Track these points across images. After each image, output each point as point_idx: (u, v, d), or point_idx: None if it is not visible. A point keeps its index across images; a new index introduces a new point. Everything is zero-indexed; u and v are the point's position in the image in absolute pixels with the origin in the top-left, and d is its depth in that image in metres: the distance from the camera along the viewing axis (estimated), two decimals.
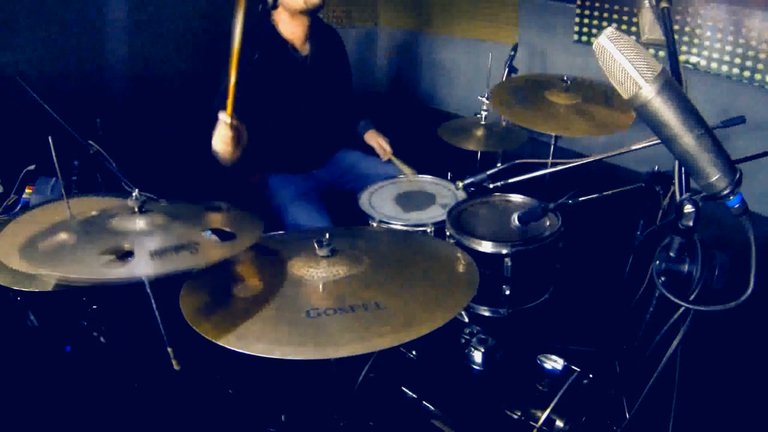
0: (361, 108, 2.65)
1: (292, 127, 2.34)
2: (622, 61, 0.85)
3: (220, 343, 1.06)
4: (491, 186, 1.77)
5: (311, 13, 2.21)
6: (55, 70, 2.98)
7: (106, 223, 1.25)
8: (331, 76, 2.41)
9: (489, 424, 1.43)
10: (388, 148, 2.52)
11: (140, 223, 1.25)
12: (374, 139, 2.56)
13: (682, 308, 1.03)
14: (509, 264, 1.77)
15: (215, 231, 1.27)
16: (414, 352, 1.61)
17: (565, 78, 2.36)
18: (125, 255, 1.14)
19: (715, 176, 0.88)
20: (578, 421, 1.38)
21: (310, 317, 1.11)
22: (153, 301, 1.36)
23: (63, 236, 1.23)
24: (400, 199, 2.23)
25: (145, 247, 1.15)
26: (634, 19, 3.46)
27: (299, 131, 2.37)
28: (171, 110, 3.32)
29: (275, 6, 2.18)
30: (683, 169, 0.98)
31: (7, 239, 1.62)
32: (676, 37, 2.76)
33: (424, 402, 1.51)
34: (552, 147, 2.54)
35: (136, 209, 1.25)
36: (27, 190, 2.10)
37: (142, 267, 1.12)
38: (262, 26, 2.22)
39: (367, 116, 2.64)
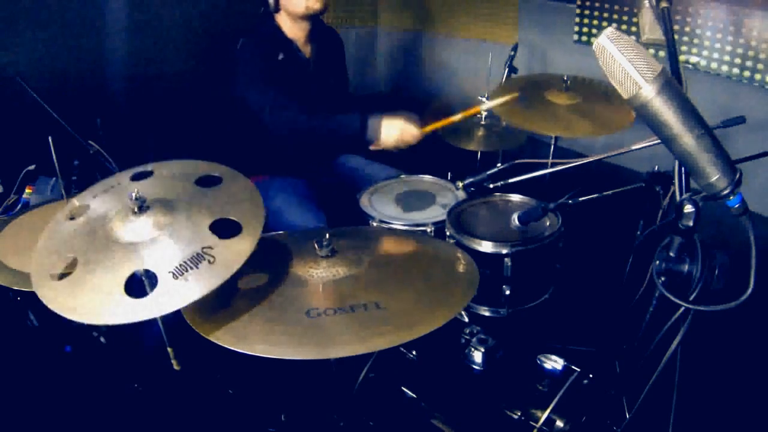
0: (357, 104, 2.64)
1: None
2: (622, 61, 0.85)
3: (220, 343, 1.06)
4: (491, 186, 1.77)
5: (312, 18, 2.23)
6: (55, 70, 2.98)
7: (107, 229, 1.23)
8: (332, 78, 2.42)
9: (489, 424, 1.43)
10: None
11: (144, 226, 1.22)
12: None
13: (682, 308, 1.03)
14: (509, 264, 1.77)
15: (218, 224, 1.26)
16: (414, 352, 1.61)
17: (565, 78, 2.36)
18: (145, 282, 1.13)
19: (715, 176, 0.88)
20: (578, 421, 1.38)
21: (310, 317, 1.11)
22: None
23: (70, 257, 1.20)
24: (400, 199, 2.23)
25: (162, 265, 1.12)
26: (634, 19, 3.46)
27: None
28: (171, 110, 3.32)
29: (277, 9, 2.20)
30: (683, 169, 0.98)
31: (8, 239, 1.62)
32: (676, 37, 2.76)
33: (424, 402, 1.51)
34: (552, 147, 2.54)
35: (136, 209, 1.24)
36: (27, 190, 2.10)
37: (171, 297, 1.08)
38: (267, 26, 2.24)
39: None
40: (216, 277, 1.11)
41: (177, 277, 1.10)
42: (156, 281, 1.10)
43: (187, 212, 1.24)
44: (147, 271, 1.13)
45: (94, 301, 1.08)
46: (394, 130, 2.10)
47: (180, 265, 1.12)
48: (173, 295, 1.08)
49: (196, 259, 1.14)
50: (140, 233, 1.19)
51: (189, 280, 1.10)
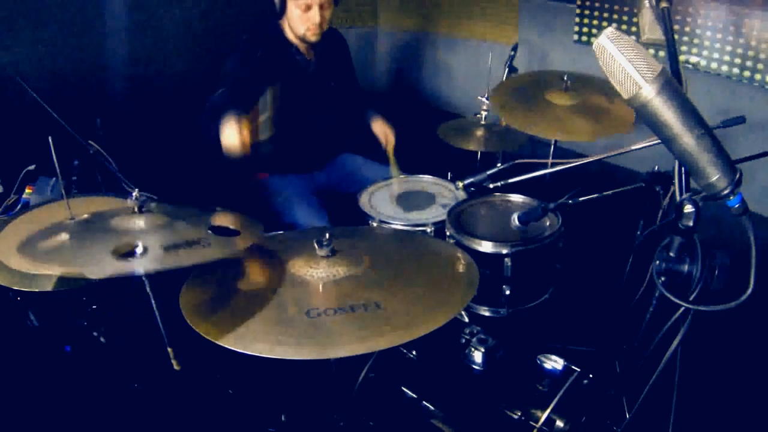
0: (368, 99, 2.64)
1: (294, 128, 2.35)
2: (622, 61, 0.85)
3: (220, 343, 1.06)
4: (491, 186, 1.77)
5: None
6: (55, 70, 2.98)
7: (106, 223, 1.25)
8: (334, 80, 2.42)
9: (489, 424, 1.43)
10: (392, 139, 2.48)
11: (141, 222, 1.24)
12: (381, 128, 2.51)
13: (682, 308, 1.03)
14: (509, 264, 1.77)
15: (218, 228, 1.27)
16: (414, 352, 1.61)
17: (565, 78, 2.36)
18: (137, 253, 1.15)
19: (715, 176, 0.88)
20: (578, 421, 1.38)
21: (310, 317, 1.11)
22: (153, 301, 1.36)
23: (64, 236, 1.22)
24: (400, 199, 2.23)
25: (156, 242, 1.16)
26: (634, 19, 3.46)
27: (301, 132, 2.37)
28: (171, 110, 3.32)
29: (282, 12, 2.20)
30: (683, 169, 0.98)
31: (8, 239, 1.62)
32: (676, 37, 2.76)
33: (424, 402, 1.51)
34: (552, 147, 2.53)
35: (136, 209, 1.25)
36: (27, 190, 2.10)
37: (159, 260, 1.12)
38: (269, 27, 2.25)
39: (373, 107, 2.61)
40: (206, 257, 1.15)
41: (168, 250, 1.14)
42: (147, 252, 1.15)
43: (186, 219, 1.27)
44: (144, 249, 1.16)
45: (81, 258, 1.13)
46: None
47: (174, 244, 1.16)
48: (159, 261, 1.12)
49: (191, 243, 1.18)
50: (138, 226, 1.21)
51: (179, 254, 1.14)
